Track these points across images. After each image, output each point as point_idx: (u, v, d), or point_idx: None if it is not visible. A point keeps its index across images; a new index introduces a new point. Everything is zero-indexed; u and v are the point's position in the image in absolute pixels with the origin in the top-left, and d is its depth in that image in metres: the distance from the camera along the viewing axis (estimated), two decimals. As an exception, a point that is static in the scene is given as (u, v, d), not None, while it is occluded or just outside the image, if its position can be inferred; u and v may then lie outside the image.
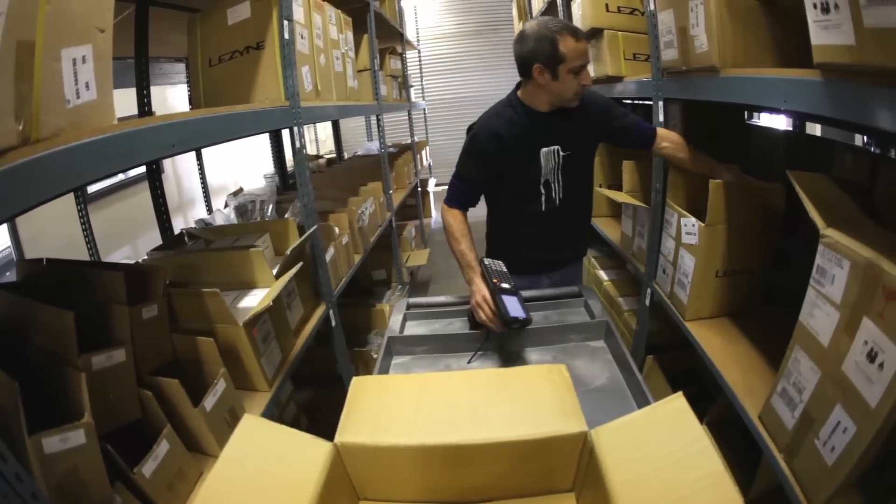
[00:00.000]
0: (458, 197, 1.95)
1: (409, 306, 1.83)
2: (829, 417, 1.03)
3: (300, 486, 0.84)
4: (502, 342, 1.58)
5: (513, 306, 1.50)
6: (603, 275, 3.15)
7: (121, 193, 4.39)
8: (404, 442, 0.91)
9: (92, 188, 3.93)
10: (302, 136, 1.94)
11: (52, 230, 3.26)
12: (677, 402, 0.89)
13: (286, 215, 2.62)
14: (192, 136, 1.24)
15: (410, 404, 0.98)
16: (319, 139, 8.29)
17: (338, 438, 0.92)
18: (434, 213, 7.14)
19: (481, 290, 1.62)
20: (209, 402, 1.31)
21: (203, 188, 4.06)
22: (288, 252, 1.71)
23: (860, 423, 0.95)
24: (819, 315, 1.08)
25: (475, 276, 1.71)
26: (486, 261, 1.69)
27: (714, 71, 1.46)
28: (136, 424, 1.24)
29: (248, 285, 1.71)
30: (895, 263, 0.90)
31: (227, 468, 0.86)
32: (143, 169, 3.53)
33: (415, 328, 1.75)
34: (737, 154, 2.14)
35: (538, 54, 1.72)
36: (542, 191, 1.95)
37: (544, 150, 1.88)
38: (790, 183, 1.17)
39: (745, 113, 2.63)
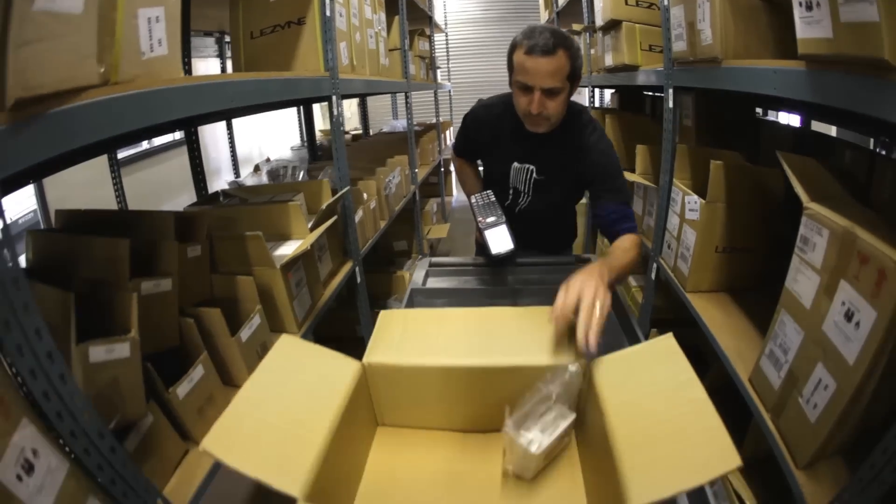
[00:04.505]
0: (460, 151, 2.03)
1: (431, 264, 1.89)
2: (811, 375, 1.09)
3: (328, 397, 0.90)
4: (515, 301, 1.60)
5: (496, 240, 1.54)
6: (613, 254, 3.18)
7: (151, 160, 4.44)
8: (426, 363, 0.99)
9: (122, 154, 3.97)
10: (340, 104, 2.06)
11: (80, 195, 3.02)
12: (667, 341, 0.95)
13: (318, 180, 2.71)
14: (248, 94, 1.35)
15: (433, 333, 1.06)
16: (345, 116, 8.32)
17: (365, 359, 1.00)
18: (455, 192, 7.32)
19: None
20: (245, 333, 1.38)
21: (232, 156, 4.19)
22: (323, 207, 1.81)
23: (840, 379, 1.01)
24: (802, 280, 1.16)
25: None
26: (474, 198, 1.70)
27: (716, 62, 1.57)
28: (172, 353, 1.27)
29: (284, 237, 1.80)
30: (868, 231, 0.99)
31: (263, 377, 0.92)
32: (178, 135, 3.63)
33: (436, 282, 1.80)
34: (747, 147, 2.15)
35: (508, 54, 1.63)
36: (511, 193, 1.90)
37: (516, 164, 1.81)
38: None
39: (756, 109, 2.64)
